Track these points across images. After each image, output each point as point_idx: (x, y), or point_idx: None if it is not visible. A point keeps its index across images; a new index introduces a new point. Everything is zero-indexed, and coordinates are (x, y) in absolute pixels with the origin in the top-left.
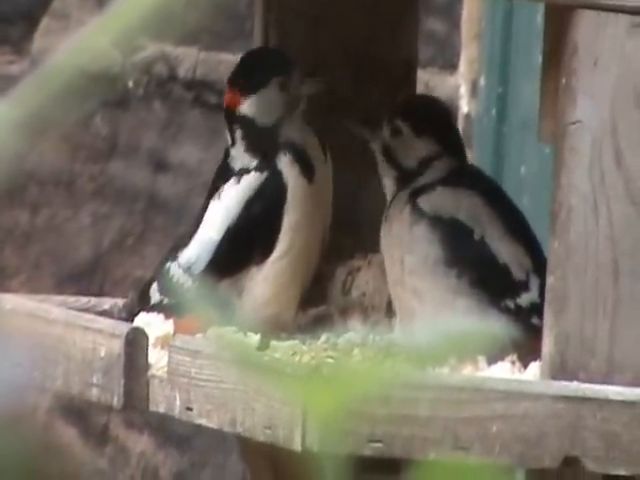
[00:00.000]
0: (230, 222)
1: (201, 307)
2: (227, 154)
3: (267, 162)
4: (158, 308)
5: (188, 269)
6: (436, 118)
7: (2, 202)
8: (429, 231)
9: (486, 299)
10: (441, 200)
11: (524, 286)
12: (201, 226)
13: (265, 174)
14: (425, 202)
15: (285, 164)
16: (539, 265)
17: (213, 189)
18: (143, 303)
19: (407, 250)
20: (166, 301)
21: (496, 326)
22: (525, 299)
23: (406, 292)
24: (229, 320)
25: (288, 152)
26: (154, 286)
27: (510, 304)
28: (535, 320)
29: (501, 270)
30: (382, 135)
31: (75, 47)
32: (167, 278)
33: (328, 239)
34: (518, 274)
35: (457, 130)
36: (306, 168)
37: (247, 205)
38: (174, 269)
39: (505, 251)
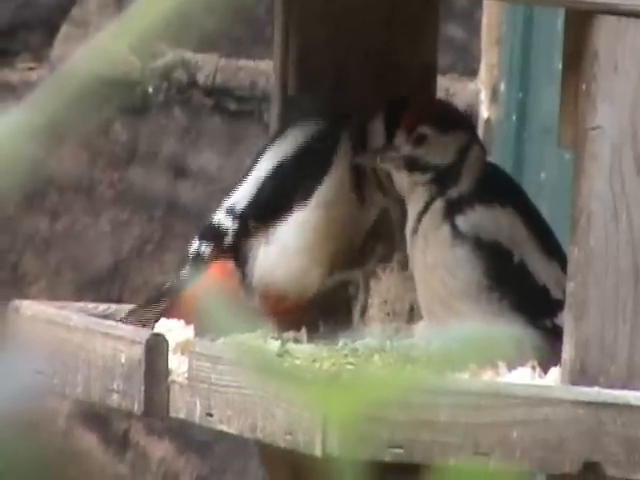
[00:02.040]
0: (280, 161)
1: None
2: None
3: (333, 124)
4: (170, 290)
5: (231, 209)
6: (453, 111)
7: (22, 209)
8: (472, 255)
9: (525, 320)
10: (480, 220)
11: (561, 305)
12: (252, 170)
13: (326, 126)
14: (464, 222)
15: (345, 140)
16: None
17: (271, 141)
18: (182, 266)
19: (448, 272)
20: (202, 249)
21: (516, 331)
22: (562, 318)
23: (448, 312)
24: (248, 270)
25: (351, 139)
26: (195, 238)
27: (548, 324)
28: None
29: (540, 291)
30: (399, 154)
31: (91, 52)
32: (209, 223)
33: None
34: (556, 293)
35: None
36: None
37: (302, 146)
38: (217, 214)
39: (543, 271)
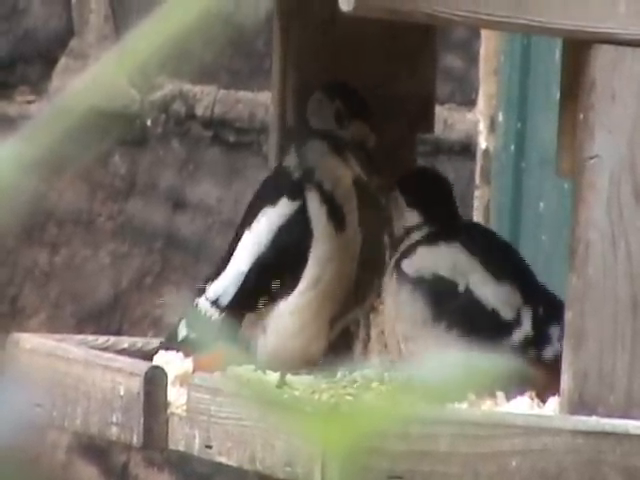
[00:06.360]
0: (260, 251)
1: (223, 344)
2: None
3: (299, 192)
4: (182, 345)
5: (215, 301)
6: (426, 191)
7: (21, 241)
8: (412, 294)
9: (477, 346)
10: (422, 260)
11: (515, 324)
12: (232, 258)
13: (296, 203)
14: (408, 265)
15: (312, 200)
16: (531, 296)
17: (246, 220)
18: (170, 343)
19: (397, 318)
20: (192, 336)
21: (509, 361)
22: (517, 336)
23: (403, 358)
24: (250, 358)
25: (316, 190)
26: (182, 322)
27: (504, 344)
28: (532, 353)
29: (489, 316)
30: (387, 205)
31: (89, 85)
32: (195, 312)
33: (354, 280)
34: (507, 315)
35: (447, 200)
36: (334, 211)
37: (277, 233)
38: (202, 303)
39: (492, 295)
